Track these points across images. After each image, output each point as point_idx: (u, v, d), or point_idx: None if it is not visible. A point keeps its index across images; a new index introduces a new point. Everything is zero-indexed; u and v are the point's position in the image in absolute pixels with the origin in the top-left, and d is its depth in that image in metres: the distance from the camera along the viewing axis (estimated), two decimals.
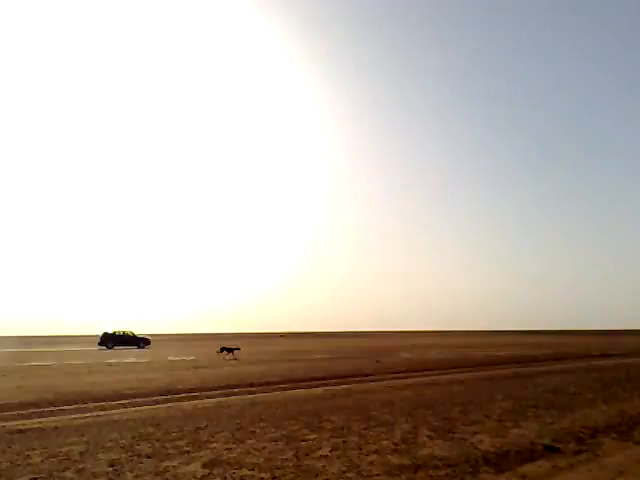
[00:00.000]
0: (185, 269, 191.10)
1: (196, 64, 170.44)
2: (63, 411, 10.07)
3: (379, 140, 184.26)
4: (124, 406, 10.81)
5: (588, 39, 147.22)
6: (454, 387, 13.77)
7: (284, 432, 7.77)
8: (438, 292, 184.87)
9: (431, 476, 5.58)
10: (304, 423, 8.47)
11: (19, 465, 6.07)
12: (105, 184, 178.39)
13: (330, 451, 6.62)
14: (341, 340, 73.24)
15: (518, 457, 6.39)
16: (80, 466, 6.00)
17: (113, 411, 10.01)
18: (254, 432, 7.77)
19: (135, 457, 6.36)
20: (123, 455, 6.47)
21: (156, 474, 5.65)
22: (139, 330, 49.22)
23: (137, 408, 10.47)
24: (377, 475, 5.60)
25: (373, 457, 6.33)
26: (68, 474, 5.71)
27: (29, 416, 9.54)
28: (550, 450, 6.71)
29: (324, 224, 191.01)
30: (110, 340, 44.32)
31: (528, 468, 5.95)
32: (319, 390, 13.35)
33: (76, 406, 10.78)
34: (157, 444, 7.02)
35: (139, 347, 44.47)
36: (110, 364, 24.61)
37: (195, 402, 11.28)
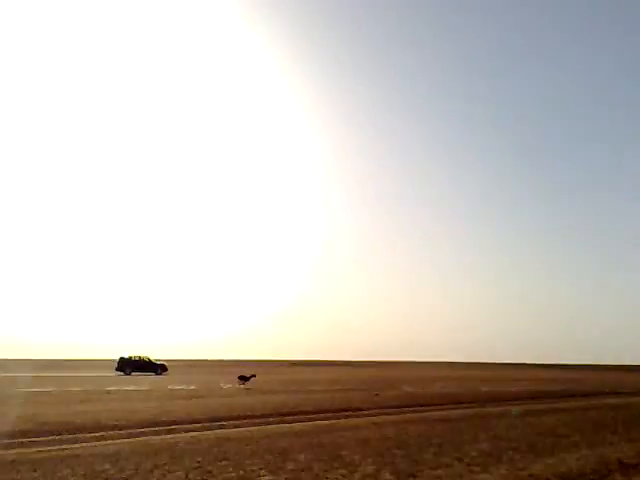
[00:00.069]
0: (199, 294, 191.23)
1: (176, 66, 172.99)
2: (33, 443, 10.07)
3: (365, 141, 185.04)
4: (97, 439, 10.76)
5: (556, 38, 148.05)
6: (441, 425, 13.39)
7: (241, 472, 7.63)
8: (450, 321, 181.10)
9: None
10: (266, 463, 8.30)
11: None
12: (115, 206, 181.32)
13: None
14: (346, 370, 72.17)
15: None
16: None
17: (82, 444, 9.97)
18: (210, 472, 7.64)
19: None
20: None
21: None
22: (154, 355, 48.90)
23: (109, 441, 10.41)
24: None
25: None
26: None
27: None
28: None
29: (323, 241, 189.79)
30: (128, 366, 43.80)
31: None
32: (300, 425, 13.12)
33: (50, 438, 10.78)
34: None
35: (156, 373, 43.96)
36: (109, 392, 24.61)
37: (170, 436, 11.17)
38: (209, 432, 11.78)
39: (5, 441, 10.21)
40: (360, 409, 17.52)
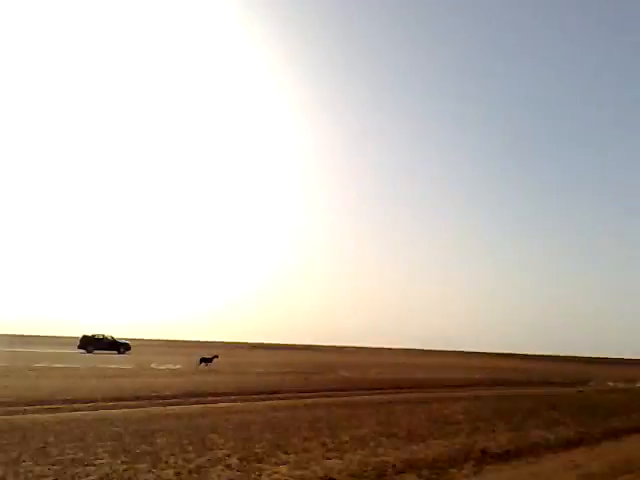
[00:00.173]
0: (170, 275, 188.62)
1: (165, 65, 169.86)
2: None
3: (351, 140, 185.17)
4: None
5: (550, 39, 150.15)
6: (342, 410, 13.36)
7: (81, 455, 7.30)
8: (415, 309, 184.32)
9: None
10: (118, 445, 8.00)
11: None
12: (88, 189, 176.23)
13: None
14: (302, 354, 72.53)
15: None
16: None
17: None
18: (48, 453, 7.29)
19: None
20: None
21: None
22: (121, 334, 48.76)
23: None
24: None
25: None
26: None
27: None
28: None
29: (302, 232, 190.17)
30: (90, 344, 43.30)
31: None
32: (199, 407, 12.89)
33: None
34: None
35: (119, 352, 43.30)
36: (34, 369, 23.84)
37: (44, 415, 10.75)
38: (92, 412, 11.41)
39: None
40: (277, 392, 17.39)
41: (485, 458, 8.36)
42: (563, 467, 8.00)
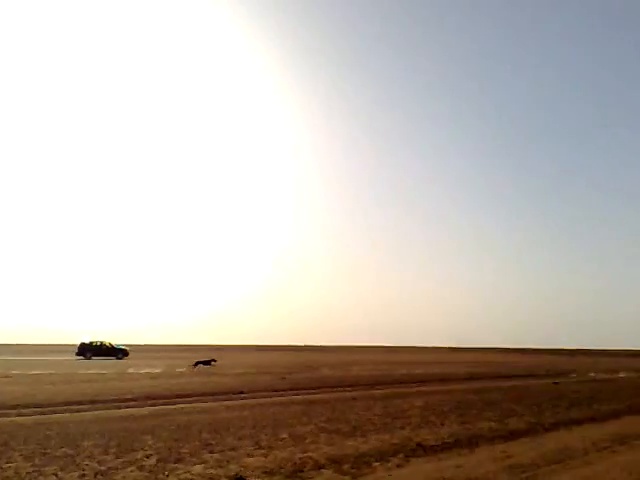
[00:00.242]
0: (169, 279, 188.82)
1: (164, 66, 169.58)
2: None
3: (348, 140, 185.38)
4: None
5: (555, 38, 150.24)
6: (301, 407, 13.24)
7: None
8: (414, 306, 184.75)
9: None
10: (51, 447, 7.86)
11: None
12: (81, 194, 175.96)
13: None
14: (301, 354, 72.37)
15: None
16: None
17: None
18: None
19: None
20: None
21: None
22: (119, 341, 48.63)
23: None
24: None
25: None
26: None
27: None
28: None
29: (299, 233, 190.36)
30: (88, 350, 43.47)
31: None
32: (150, 409, 12.74)
33: None
34: None
35: (117, 358, 43.39)
36: (9, 375, 23.63)
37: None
38: (36, 417, 11.26)
39: None
40: (243, 392, 17.24)
41: (417, 451, 8.24)
42: (493, 458, 7.87)
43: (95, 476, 6.42)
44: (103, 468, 6.78)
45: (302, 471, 6.87)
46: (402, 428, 10.25)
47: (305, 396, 16.37)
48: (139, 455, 7.57)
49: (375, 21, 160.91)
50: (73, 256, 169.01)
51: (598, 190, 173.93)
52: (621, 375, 31.31)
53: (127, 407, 13.27)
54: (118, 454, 7.59)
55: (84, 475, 6.43)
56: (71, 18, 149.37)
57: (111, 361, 39.52)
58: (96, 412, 12.20)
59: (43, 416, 11.46)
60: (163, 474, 6.56)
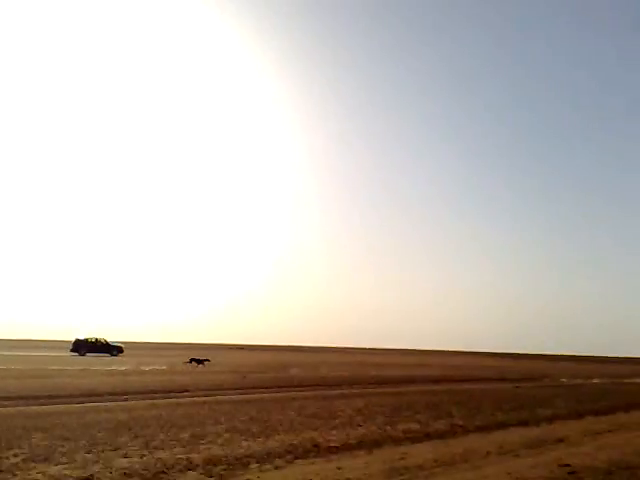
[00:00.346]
0: (167, 277, 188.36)
1: (162, 67, 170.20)
2: None
3: (345, 143, 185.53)
4: None
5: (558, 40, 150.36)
6: (224, 407, 12.90)
7: None
8: (412, 309, 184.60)
9: None
10: None
11: None
12: (78, 194, 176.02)
13: None
14: (285, 354, 72.01)
15: None
16: None
17: None
18: None
19: None
20: None
21: None
22: (117, 337, 49.07)
23: None
24: None
25: None
26: None
27: None
28: None
29: (296, 234, 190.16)
30: (82, 347, 43.48)
31: None
32: (62, 407, 12.44)
33: None
34: None
35: (112, 355, 43.28)
36: None
37: None
38: None
39: None
40: (187, 390, 16.93)
41: (311, 452, 7.93)
42: (384, 460, 7.55)
43: None
44: None
45: (166, 473, 6.54)
46: (315, 429, 9.93)
47: (247, 395, 16.08)
48: (10, 453, 7.24)
49: (369, 23, 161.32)
50: (72, 254, 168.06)
51: (598, 191, 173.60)
52: (594, 381, 30.97)
53: (56, 403, 12.97)
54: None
55: None
56: (69, 20, 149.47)
57: (103, 358, 39.30)
58: (19, 408, 11.90)
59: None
60: (13, 473, 6.23)
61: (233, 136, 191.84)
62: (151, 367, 29.81)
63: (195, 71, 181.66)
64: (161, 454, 7.49)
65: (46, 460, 6.95)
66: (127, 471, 6.51)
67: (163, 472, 6.54)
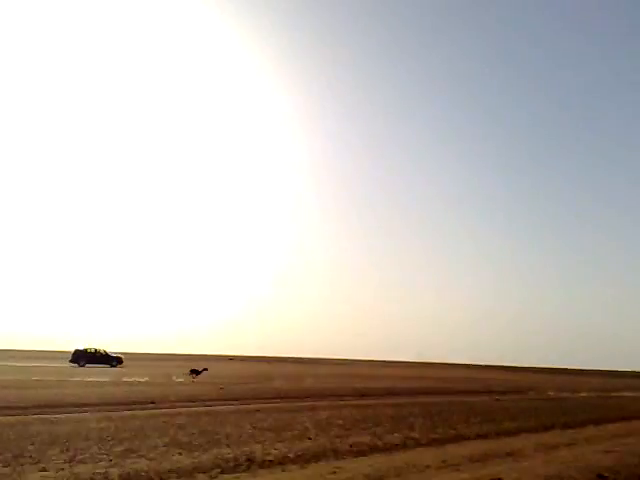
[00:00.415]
0: (167, 287, 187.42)
1: (162, 68, 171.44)
2: None
3: (343, 147, 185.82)
4: None
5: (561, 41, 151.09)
6: (178, 419, 12.57)
7: None
8: (412, 321, 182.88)
9: None
10: None
11: None
12: (77, 199, 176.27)
13: None
14: (277, 365, 71.36)
15: None
16: None
17: None
18: None
19: None
20: None
21: None
22: (116, 348, 48.90)
23: None
24: None
25: None
26: None
27: None
28: None
29: (296, 242, 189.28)
30: (82, 358, 43.24)
31: None
32: (13, 419, 12.15)
33: None
34: None
35: (111, 366, 43.03)
36: None
37: None
38: None
39: None
40: (152, 402, 16.59)
41: (240, 467, 7.61)
42: (316, 475, 7.26)
43: None
44: None
45: None
46: (260, 442, 9.61)
47: (211, 407, 15.74)
48: None
49: (368, 23, 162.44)
50: (73, 265, 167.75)
51: (599, 195, 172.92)
52: (581, 394, 30.47)
53: (6, 415, 12.68)
54: None
55: None
56: (69, 20, 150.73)
57: (96, 369, 38.94)
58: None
59: None
60: None
61: (231, 135, 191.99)
62: (133, 378, 29.42)
63: (192, 69, 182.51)
64: (81, 468, 7.20)
65: None
66: None
67: None
